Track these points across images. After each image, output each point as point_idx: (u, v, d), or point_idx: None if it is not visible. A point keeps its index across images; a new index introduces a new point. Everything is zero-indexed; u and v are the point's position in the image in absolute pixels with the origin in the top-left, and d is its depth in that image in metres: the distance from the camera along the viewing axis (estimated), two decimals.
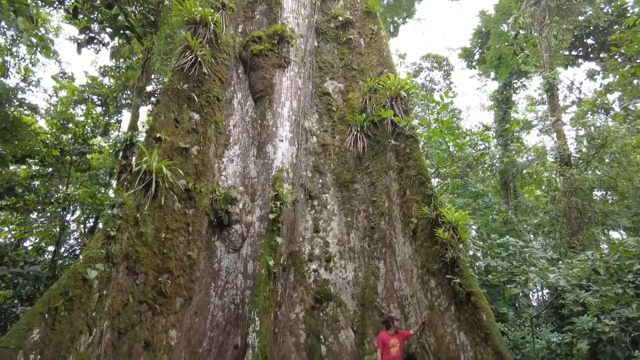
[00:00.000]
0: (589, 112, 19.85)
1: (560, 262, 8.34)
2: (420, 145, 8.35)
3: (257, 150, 8.63)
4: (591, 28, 20.41)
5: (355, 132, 8.76)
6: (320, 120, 9.51)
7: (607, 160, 16.18)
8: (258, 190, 8.10)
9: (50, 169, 17.86)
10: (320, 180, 8.72)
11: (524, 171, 21.83)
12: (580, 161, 14.80)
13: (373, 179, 8.39)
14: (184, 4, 8.32)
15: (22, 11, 4.62)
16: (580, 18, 18.11)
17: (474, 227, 15.70)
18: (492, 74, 25.39)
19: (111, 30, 5.93)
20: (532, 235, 16.96)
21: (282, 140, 8.49)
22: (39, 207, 16.74)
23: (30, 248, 18.46)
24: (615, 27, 19.57)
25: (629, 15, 17.42)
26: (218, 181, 8.04)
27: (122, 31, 6.08)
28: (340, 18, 10.91)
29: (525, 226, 16.89)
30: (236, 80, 9.35)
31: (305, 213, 8.25)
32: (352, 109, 9.38)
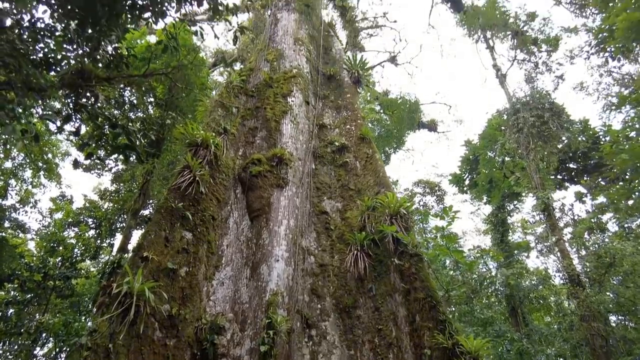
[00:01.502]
0: (586, 232, 19.85)
1: None
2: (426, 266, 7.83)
3: (250, 271, 8.06)
4: (571, 154, 21.73)
5: (355, 251, 8.32)
6: (318, 239, 9.16)
7: (614, 282, 15.48)
8: (249, 317, 7.28)
9: (29, 295, 16.69)
10: (319, 306, 7.95)
11: (531, 295, 20.85)
12: (591, 282, 14.09)
13: (377, 304, 7.65)
14: (186, 127, 8.68)
15: (23, 125, 4.67)
16: (559, 146, 19.37)
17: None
18: (485, 198, 26.05)
19: (111, 149, 5.99)
20: None
21: (277, 260, 7.99)
22: (6, 338, 15.11)
23: None
24: (592, 152, 20.84)
25: (602, 142, 18.71)
26: (205, 307, 7.28)
27: (122, 150, 6.13)
28: (337, 143, 11.45)
29: (542, 358, 15.35)
30: (234, 199, 9.27)
31: (301, 345, 7.29)
32: (350, 227, 9.12)
